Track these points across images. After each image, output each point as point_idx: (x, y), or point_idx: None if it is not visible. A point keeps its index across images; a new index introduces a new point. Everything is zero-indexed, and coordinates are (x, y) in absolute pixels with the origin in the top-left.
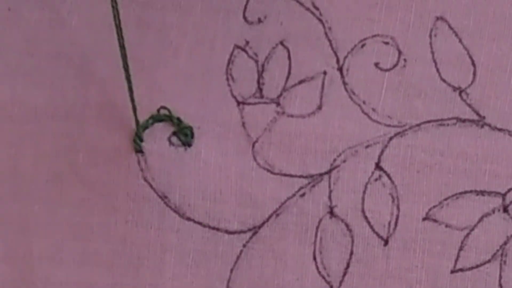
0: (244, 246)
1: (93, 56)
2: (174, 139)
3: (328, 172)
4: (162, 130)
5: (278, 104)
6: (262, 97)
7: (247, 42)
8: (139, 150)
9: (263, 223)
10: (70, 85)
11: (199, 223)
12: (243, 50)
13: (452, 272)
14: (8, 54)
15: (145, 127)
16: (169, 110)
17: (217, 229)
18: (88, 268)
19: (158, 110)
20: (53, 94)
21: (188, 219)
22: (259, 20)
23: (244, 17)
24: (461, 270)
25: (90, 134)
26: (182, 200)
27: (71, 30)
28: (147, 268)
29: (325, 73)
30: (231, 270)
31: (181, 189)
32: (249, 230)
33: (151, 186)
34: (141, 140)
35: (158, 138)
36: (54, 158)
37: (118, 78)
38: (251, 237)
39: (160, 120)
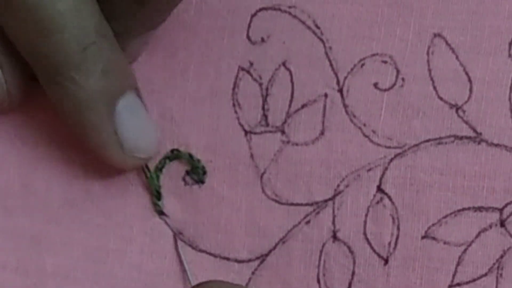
0: (252, 273)
1: None
2: (188, 178)
3: (332, 198)
4: (177, 168)
5: (283, 132)
6: (267, 125)
7: (251, 64)
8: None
9: (270, 251)
10: None
11: (212, 254)
12: (248, 72)
13: (449, 286)
14: None
15: (162, 167)
16: (179, 151)
17: (228, 259)
18: None
19: (172, 151)
20: None
21: (201, 251)
22: (262, 40)
23: (248, 37)
24: (459, 284)
25: (107, 168)
26: (196, 234)
27: None
28: None
29: (326, 95)
30: None
31: (195, 224)
32: (257, 258)
33: (166, 223)
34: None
35: (173, 178)
36: (68, 183)
37: None
38: (259, 265)
39: (174, 158)
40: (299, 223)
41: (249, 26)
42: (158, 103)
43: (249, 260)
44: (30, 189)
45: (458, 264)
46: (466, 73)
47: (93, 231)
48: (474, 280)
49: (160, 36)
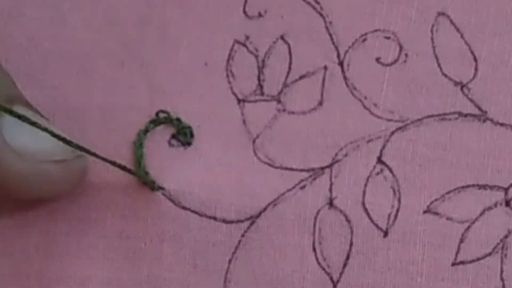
0: (242, 236)
1: (94, 55)
2: (174, 141)
3: (330, 165)
4: (162, 133)
5: (279, 101)
6: (262, 94)
7: (247, 37)
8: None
9: (260, 213)
10: (72, 86)
11: (196, 212)
12: (243, 45)
13: (453, 264)
14: (8, 51)
15: (146, 131)
16: (168, 113)
17: (214, 219)
18: (83, 262)
19: (157, 114)
20: (54, 94)
21: (184, 208)
22: (260, 15)
23: (245, 12)
24: (462, 262)
25: (91, 136)
26: (179, 190)
27: (72, 27)
28: (144, 261)
29: (325, 68)
30: (229, 261)
31: (178, 181)
32: (246, 219)
33: (147, 180)
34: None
35: (158, 141)
36: None
37: (120, 79)
38: (249, 227)
39: (160, 123)
40: (293, 187)
41: (245, 2)
42: (147, 77)
43: (238, 221)
44: None
45: (461, 241)
46: (471, 52)
47: (73, 202)
48: (478, 259)
49: (152, 11)
